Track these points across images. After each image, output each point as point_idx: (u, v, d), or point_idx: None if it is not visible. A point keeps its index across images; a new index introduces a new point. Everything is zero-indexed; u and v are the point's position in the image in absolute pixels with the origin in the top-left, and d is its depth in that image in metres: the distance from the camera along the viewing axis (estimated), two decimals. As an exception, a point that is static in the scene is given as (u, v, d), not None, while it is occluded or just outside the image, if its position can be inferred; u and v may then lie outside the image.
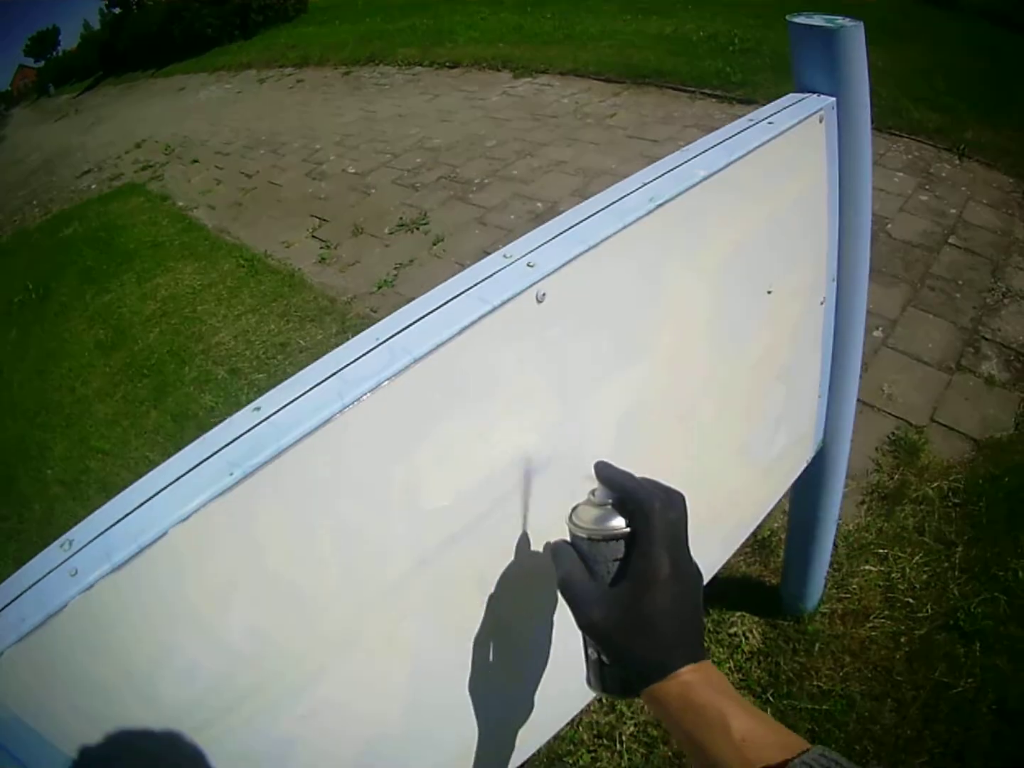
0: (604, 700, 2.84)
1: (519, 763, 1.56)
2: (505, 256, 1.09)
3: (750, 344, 1.65)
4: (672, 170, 1.29)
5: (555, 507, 1.10)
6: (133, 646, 0.86)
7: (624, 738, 2.76)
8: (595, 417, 1.27)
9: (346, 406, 0.91)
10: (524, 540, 1.24)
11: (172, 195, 10.25)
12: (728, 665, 2.90)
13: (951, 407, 3.98)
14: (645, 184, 1.25)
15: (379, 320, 1.00)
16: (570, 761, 2.73)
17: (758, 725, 0.88)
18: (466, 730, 1.38)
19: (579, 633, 1.06)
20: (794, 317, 1.78)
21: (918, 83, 8.08)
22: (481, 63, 12.85)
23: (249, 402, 0.91)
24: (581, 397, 1.24)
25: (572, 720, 1.83)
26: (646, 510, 0.97)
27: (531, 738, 1.57)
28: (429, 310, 1.01)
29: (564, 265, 1.08)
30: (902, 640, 2.87)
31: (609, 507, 1.02)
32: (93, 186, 12.63)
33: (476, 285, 1.05)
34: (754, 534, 2.51)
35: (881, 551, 3.20)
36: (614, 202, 1.20)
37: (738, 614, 3.05)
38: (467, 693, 1.33)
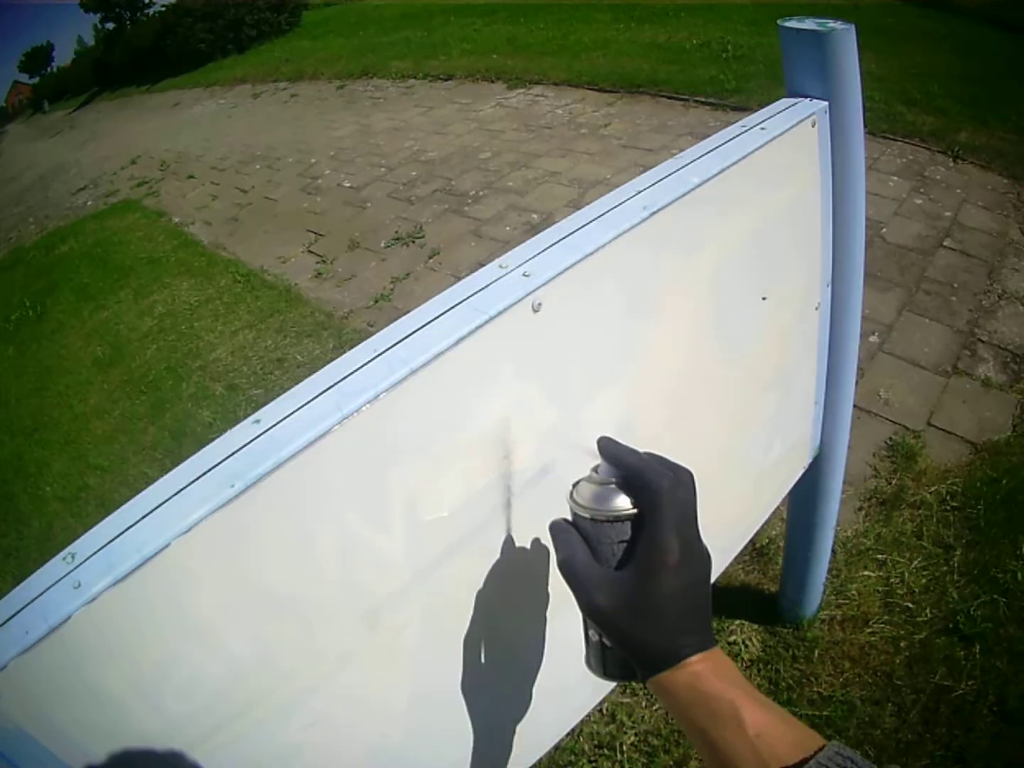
0: (604, 709, 2.84)
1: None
2: (501, 266, 1.10)
3: (745, 351, 1.66)
4: (665, 178, 1.29)
5: (552, 517, 1.07)
6: (137, 657, 0.87)
7: (625, 748, 2.75)
8: (591, 425, 1.26)
9: (344, 418, 0.91)
10: (521, 552, 1.24)
11: (168, 211, 10.26)
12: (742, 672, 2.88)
13: (948, 411, 3.98)
14: (639, 192, 1.25)
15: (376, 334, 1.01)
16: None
17: (772, 720, 0.85)
18: (466, 739, 1.37)
19: (577, 639, 1.04)
20: (789, 323, 1.79)
21: (912, 86, 8.10)
22: (475, 75, 12.87)
23: (247, 417, 0.92)
24: (577, 405, 1.24)
25: (572, 730, 1.83)
26: (654, 490, 0.93)
27: (532, 748, 1.57)
28: (426, 321, 1.02)
29: (559, 274, 1.09)
30: (902, 644, 2.87)
31: (613, 486, 0.98)
32: (89, 202, 12.64)
33: (472, 296, 1.05)
34: (752, 542, 2.51)
35: (880, 556, 3.19)
36: (608, 211, 1.20)
37: (737, 622, 3.05)
38: (467, 702, 1.33)
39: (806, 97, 1.57)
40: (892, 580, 3.09)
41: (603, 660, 1.02)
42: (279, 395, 0.93)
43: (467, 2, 20.56)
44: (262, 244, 8.10)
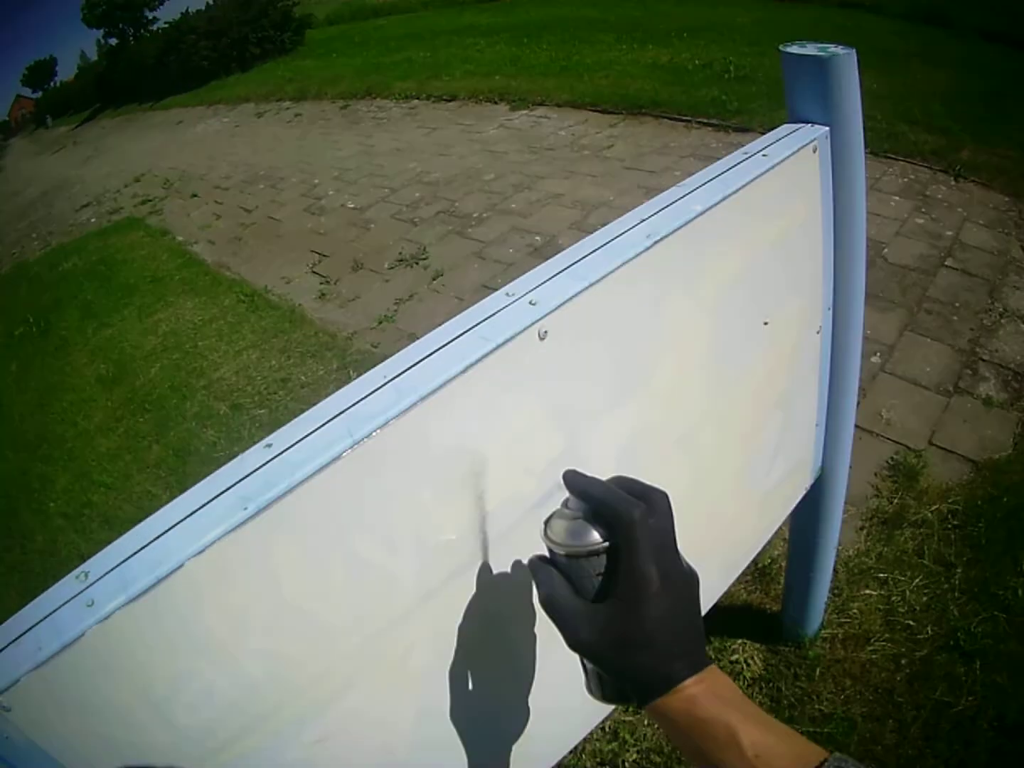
0: (607, 727, 2.85)
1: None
2: (507, 294, 1.12)
3: (747, 374, 1.67)
4: (669, 206, 1.31)
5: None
6: (148, 674, 0.88)
7: (627, 765, 2.76)
8: (596, 450, 1.28)
9: (356, 443, 0.92)
10: (525, 573, 1.22)
11: (172, 229, 10.25)
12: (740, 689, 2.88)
13: (949, 430, 3.99)
14: (643, 220, 1.26)
15: (380, 355, 1.02)
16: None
17: (770, 737, 0.85)
18: (470, 757, 1.38)
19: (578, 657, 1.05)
20: (791, 347, 1.80)
21: (913, 105, 8.09)
22: (478, 96, 12.82)
23: (251, 437, 0.93)
24: (582, 431, 1.25)
25: (575, 748, 1.83)
26: (625, 522, 0.92)
27: (535, 765, 1.57)
28: (434, 349, 1.03)
29: (565, 303, 1.10)
30: (903, 662, 2.88)
31: (581, 519, 0.97)
32: (92, 219, 12.63)
33: (479, 324, 1.06)
34: (754, 562, 2.52)
35: (881, 575, 3.20)
36: (613, 239, 1.22)
37: (739, 641, 3.06)
38: (471, 720, 1.33)
39: (807, 123, 1.59)
40: (893, 598, 3.09)
41: (602, 686, 1.02)
42: (283, 415, 0.95)
43: (470, 23, 20.54)
44: (266, 264, 8.09)
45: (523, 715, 1.45)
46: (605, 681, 1.01)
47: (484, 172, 9.10)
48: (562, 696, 1.42)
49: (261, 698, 1.00)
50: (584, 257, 1.18)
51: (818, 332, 1.87)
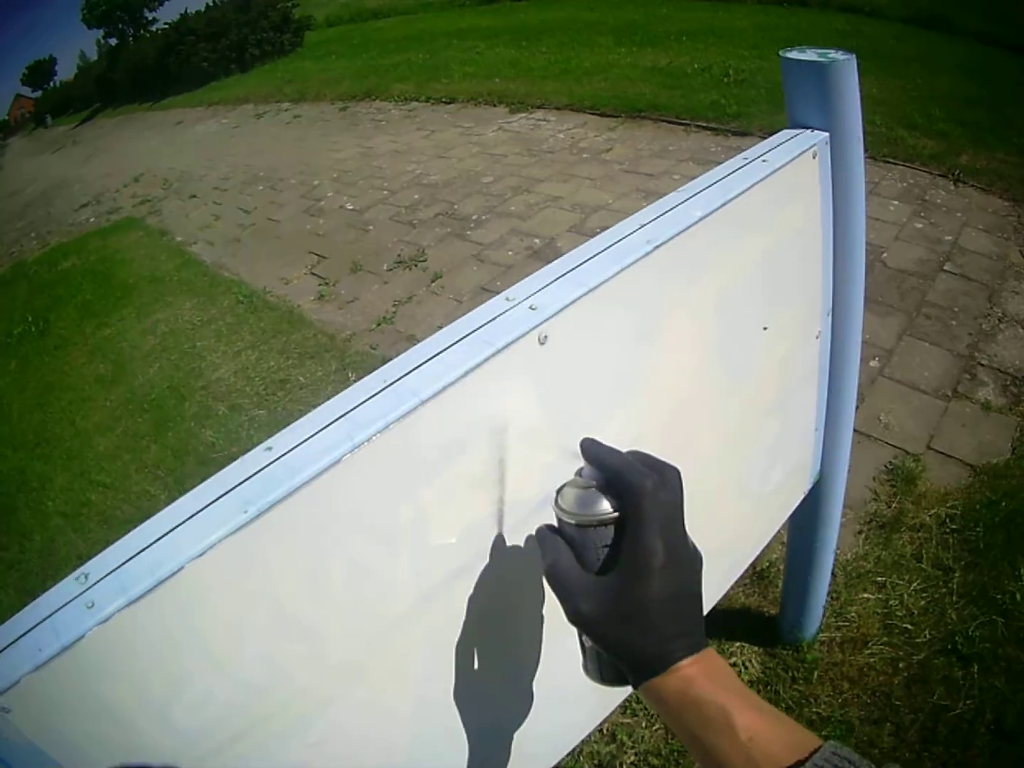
0: (604, 730, 2.85)
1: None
2: (508, 299, 1.12)
3: (747, 379, 1.67)
4: (669, 211, 1.31)
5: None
6: (148, 675, 0.88)
7: (625, 767, 2.77)
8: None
9: (356, 447, 0.92)
10: (523, 576, 1.24)
11: (171, 230, 10.28)
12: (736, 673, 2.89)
13: (948, 434, 3.99)
14: (643, 226, 1.26)
15: (379, 357, 1.02)
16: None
17: (764, 722, 0.84)
18: (470, 758, 1.38)
19: (578, 660, 1.05)
20: (790, 351, 1.80)
21: (913, 110, 8.12)
22: (477, 98, 12.86)
23: (250, 438, 0.93)
24: (581, 435, 1.24)
25: (573, 751, 1.83)
26: (636, 492, 0.91)
27: (535, 766, 1.58)
28: (435, 353, 1.03)
29: (565, 308, 1.10)
30: (900, 665, 2.88)
31: (594, 489, 0.96)
32: (91, 219, 12.67)
33: (480, 328, 1.06)
34: (752, 565, 2.52)
35: (879, 579, 3.21)
36: (613, 244, 1.22)
37: (737, 644, 3.06)
38: (471, 723, 1.33)
39: (807, 128, 1.59)
40: (891, 602, 3.10)
41: (599, 666, 1.01)
42: (282, 416, 0.95)
43: (469, 25, 20.58)
44: (265, 265, 8.10)
45: (521, 718, 1.44)
46: (603, 661, 1.00)
47: (483, 174, 9.12)
48: (560, 699, 1.42)
49: (261, 700, 1.00)
50: (584, 262, 1.18)
51: (817, 337, 1.87)
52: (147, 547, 0.84)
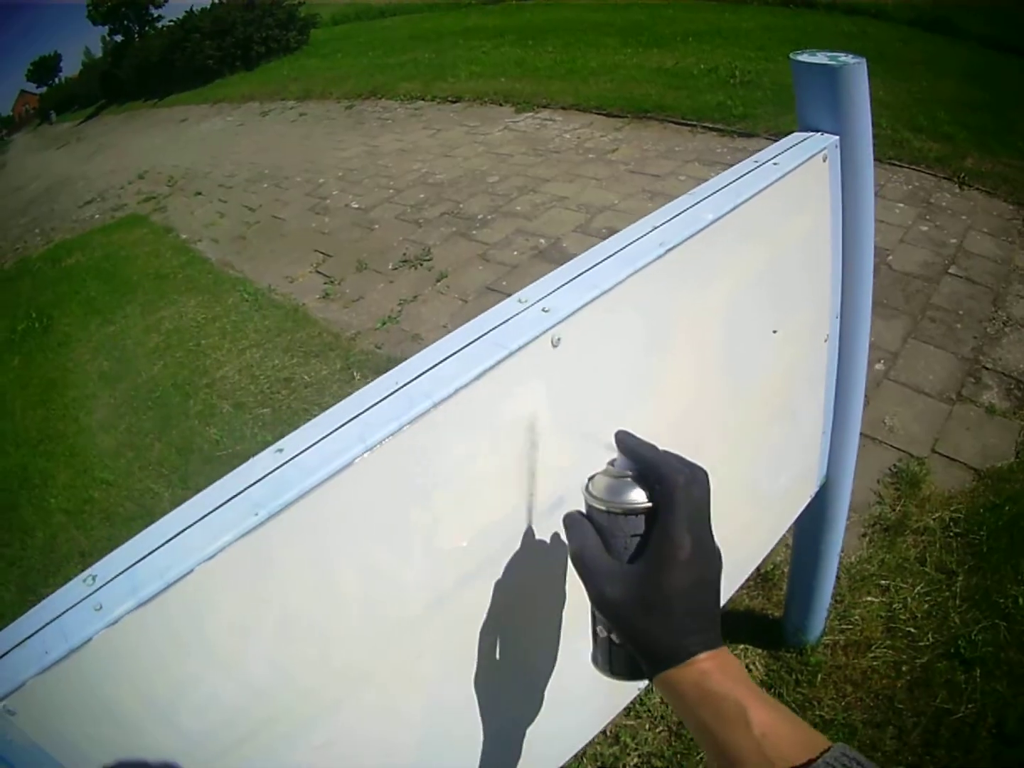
0: (608, 731, 2.85)
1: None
2: (520, 301, 1.11)
3: (756, 383, 1.67)
4: (681, 214, 1.31)
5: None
6: (156, 678, 0.87)
7: (628, 769, 2.76)
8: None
9: (368, 449, 0.92)
10: (534, 581, 1.24)
11: (176, 227, 10.28)
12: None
13: (952, 437, 3.99)
14: (655, 228, 1.26)
15: (384, 356, 1.01)
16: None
17: (778, 719, 0.85)
18: (477, 761, 1.38)
19: (586, 660, 1.05)
20: (798, 355, 1.80)
21: (918, 112, 8.11)
22: (483, 97, 12.85)
23: (254, 436, 0.92)
24: (593, 438, 1.23)
25: (577, 752, 1.83)
26: (669, 485, 0.93)
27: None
28: (447, 355, 1.03)
29: (578, 310, 1.10)
30: (903, 669, 2.88)
31: (628, 479, 0.97)
32: (96, 216, 12.67)
33: (492, 330, 1.06)
34: (757, 568, 2.52)
35: (883, 582, 3.20)
36: (625, 247, 1.22)
37: (741, 646, 3.06)
38: (477, 726, 1.33)
39: (818, 131, 1.59)
40: (895, 605, 3.10)
41: (610, 658, 1.02)
42: (286, 415, 0.95)
43: (476, 25, 20.62)
44: (270, 263, 8.10)
45: (527, 720, 1.44)
46: (614, 652, 1.01)
47: (489, 174, 9.12)
48: (565, 701, 1.42)
49: (267, 703, 1.00)
50: (597, 264, 1.18)
51: (826, 340, 1.87)
52: (156, 549, 0.84)
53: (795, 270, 1.63)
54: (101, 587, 0.81)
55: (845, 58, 1.49)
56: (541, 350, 1.07)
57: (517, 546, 1.19)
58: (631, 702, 2.42)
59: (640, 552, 0.95)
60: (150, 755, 0.90)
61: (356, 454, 0.91)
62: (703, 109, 9.50)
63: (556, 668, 1.38)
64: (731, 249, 1.39)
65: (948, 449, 3.91)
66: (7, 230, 14.77)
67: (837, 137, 1.57)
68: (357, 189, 9.73)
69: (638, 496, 0.95)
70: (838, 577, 2.88)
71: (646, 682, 0.97)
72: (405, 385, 0.99)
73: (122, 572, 0.82)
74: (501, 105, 12.26)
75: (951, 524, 3.42)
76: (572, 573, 1.00)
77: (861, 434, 2.23)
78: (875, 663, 2.91)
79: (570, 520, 1.02)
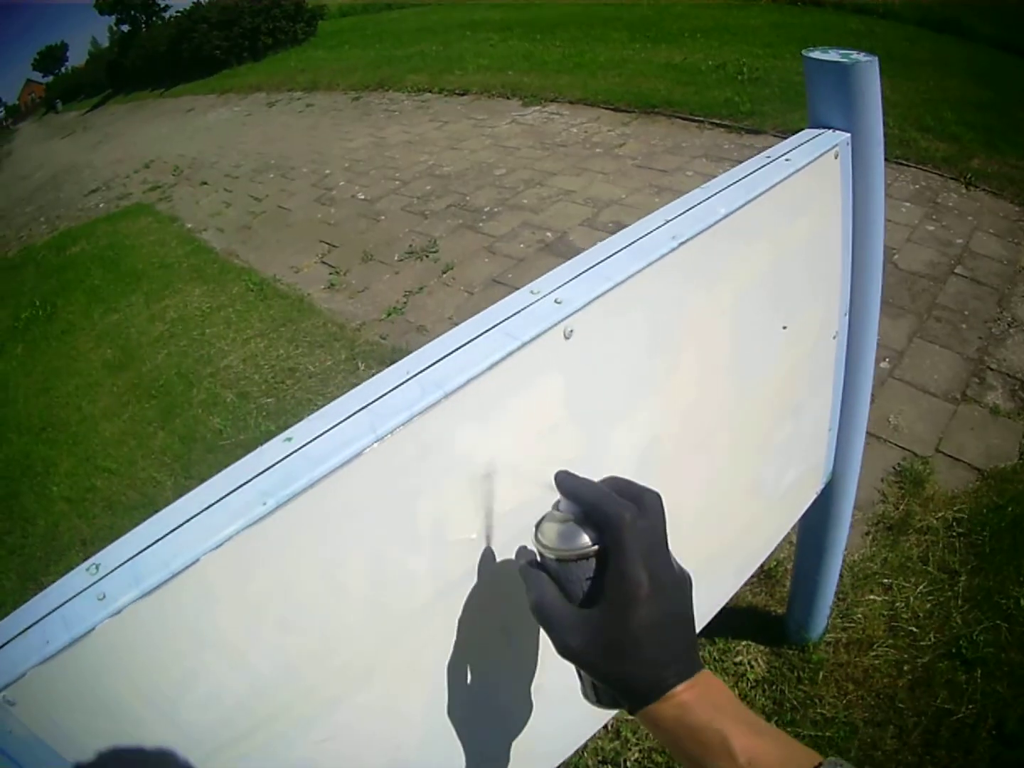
0: (609, 726, 2.85)
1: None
2: (532, 292, 1.11)
3: (765, 378, 1.67)
4: (693, 208, 1.30)
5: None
6: (158, 669, 0.87)
7: (628, 764, 2.76)
8: (616, 450, 1.27)
9: (378, 439, 0.91)
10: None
11: (181, 216, 10.29)
12: (733, 693, 2.88)
13: (956, 437, 3.99)
14: (667, 222, 1.26)
15: (389, 347, 1.01)
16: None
17: (763, 743, 0.84)
18: (479, 756, 1.38)
19: None
20: (807, 351, 1.80)
21: (925, 112, 8.10)
22: (490, 90, 12.84)
23: (258, 426, 0.92)
24: (604, 431, 1.24)
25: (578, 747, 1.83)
26: (615, 524, 0.91)
27: (542, 763, 1.58)
28: (459, 345, 1.02)
29: (591, 302, 1.10)
30: (905, 668, 2.88)
31: (572, 522, 0.95)
32: (101, 205, 12.67)
33: (504, 321, 1.06)
34: (760, 565, 2.51)
35: (886, 581, 3.21)
36: (637, 239, 1.22)
37: (743, 643, 3.06)
38: (481, 718, 1.34)
39: (829, 128, 1.59)
40: (897, 604, 3.10)
41: (596, 692, 1.01)
42: (290, 404, 0.94)
43: (483, 18, 20.61)
44: (275, 253, 8.10)
45: (529, 714, 1.44)
46: (599, 689, 1.00)
47: (495, 167, 9.10)
48: (566, 696, 1.42)
49: (271, 696, 0.99)
50: (609, 257, 1.18)
51: (834, 337, 1.87)
52: (161, 538, 0.83)
53: (805, 266, 1.63)
54: (104, 576, 0.81)
55: (857, 56, 1.49)
56: (553, 342, 1.07)
57: (527, 538, 1.18)
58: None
59: (597, 595, 0.93)
60: (150, 747, 0.90)
61: (366, 444, 0.91)
62: (711, 105, 9.48)
63: (558, 663, 1.38)
64: (742, 244, 1.39)
65: (952, 449, 3.91)
66: (12, 218, 14.79)
67: (849, 134, 1.57)
68: (363, 180, 9.73)
69: (586, 539, 0.93)
70: (841, 575, 2.87)
71: None
72: (417, 375, 0.98)
73: (126, 561, 0.82)
74: (508, 98, 12.26)
75: (954, 524, 3.42)
76: None
77: (866, 432, 2.23)
78: (877, 662, 2.91)
79: (525, 571, 1.02)
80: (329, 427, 0.93)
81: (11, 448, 6.05)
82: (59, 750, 0.82)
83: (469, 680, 1.26)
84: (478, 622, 1.21)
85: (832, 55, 1.52)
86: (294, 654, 0.99)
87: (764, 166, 1.45)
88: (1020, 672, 2.79)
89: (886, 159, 1.67)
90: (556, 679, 1.40)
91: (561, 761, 1.63)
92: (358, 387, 0.98)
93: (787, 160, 1.46)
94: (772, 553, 2.21)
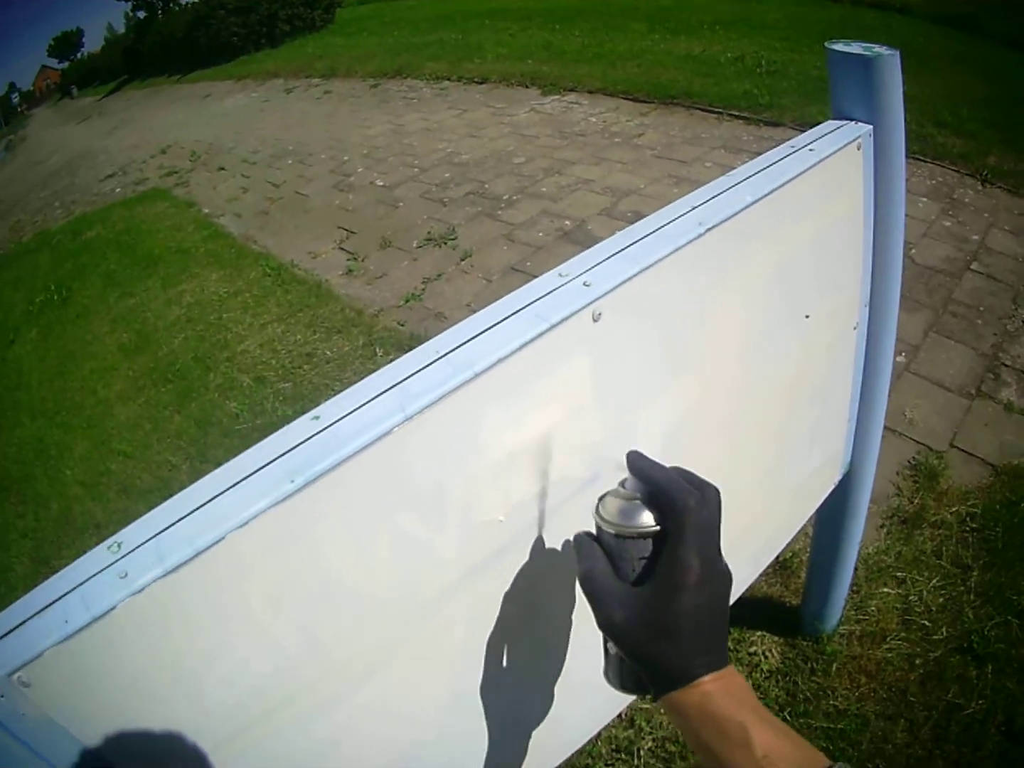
0: (623, 715, 2.85)
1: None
2: (560, 275, 1.11)
3: (787, 366, 1.68)
4: (720, 195, 1.31)
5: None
6: (180, 649, 0.86)
7: (642, 753, 2.76)
8: (642, 434, 1.28)
9: (408, 418, 0.92)
10: (564, 557, 1.23)
11: (198, 202, 10.27)
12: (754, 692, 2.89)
13: (970, 433, 3.99)
14: (694, 208, 1.27)
15: (407, 333, 1.01)
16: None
17: (780, 740, 0.85)
18: (497, 739, 1.38)
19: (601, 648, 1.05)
20: (828, 341, 1.81)
21: (942, 109, 8.06)
22: (509, 79, 12.82)
23: (274, 411, 0.91)
24: (630, 415, 1.25)
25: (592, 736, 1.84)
26: (679, 509, 0.92)
27: (557, 750, 1.58)
28: (489, 325, 1.03)
29: (619, 285, 1.10)
30: (917, 662, 2.88)
31: (638, 501, 0.96)
32: (117, 190, 12.66)
33: (534, 302, 1.06)
34: (777, 555, 2.52)
35: (899, 574, 3.21)
36: (665, 225, 1.22)
37: (758, 633, 3.07)
38: (497, 704, 1.34)
39: (852, 120, 1.59)
40: (911, 598, 3.10)
41: (620, 674, 1.03)
42: (307, 389, 0.94)
43: (502, 7, 20.56)
44: (293, 239, 8.08)
45: (547, 701, 1.45)
46: (625, 669, 1.02)
47: (514, 155, 9.10)
48: (583, 684, 1.42)
49: (294, 675, 0.99)
50: (637, 241, 1.18)
51: (855, 328, 1.87)
52: (185, 516, 0.83)
53: (827, 257, 1.64)
54: (127, 554, 0.80)
55: (879, 49, 1.50)
56: (582, 324, 1.07)
57: (553, 520, 1.19)
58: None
59: (648, 575, 0.95)
60: (169, 728, 0.90)
61: (396, 423, 0.91)
62: (730, 97, 9.47)
63: (574, 652, 1.38)
64: (767, 232, 1.39)
65: (966, 444, 3.91)
66: (26, 203, 14.85)
67: (871, 126, 1.58)
68: (382, 167, 9.72)
69: (648, 519, 0.95)
70: (855, 567, 2.88)
71: None
72: (447, 354, 0.99)
73: (149, 539, 0.82)
74: (527, 87, 12.24)
75: (967, 519, 3.42)
76: None
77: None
78: (889, 655, 2.92)
79: (579, 542, 1.03)
80: (357, 406, 0.93)
81: (25, 432, 6.07)
82: (74, 732, 0.82)
83: (490, 663, 1.27)
84: (503, 605, 1.22)
85: (855, 48, 1.52)
86: (318, 632, 0.99)
87: (788, 155, 1.45)
88: (1030, 669, 2.79)
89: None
90: (572, 667, 1.41)
91: (576, 749, 1.63)
92: (387, 366, 0.98)
93: (811, 150, 1.47)
94: (788, 544, 2.21)
